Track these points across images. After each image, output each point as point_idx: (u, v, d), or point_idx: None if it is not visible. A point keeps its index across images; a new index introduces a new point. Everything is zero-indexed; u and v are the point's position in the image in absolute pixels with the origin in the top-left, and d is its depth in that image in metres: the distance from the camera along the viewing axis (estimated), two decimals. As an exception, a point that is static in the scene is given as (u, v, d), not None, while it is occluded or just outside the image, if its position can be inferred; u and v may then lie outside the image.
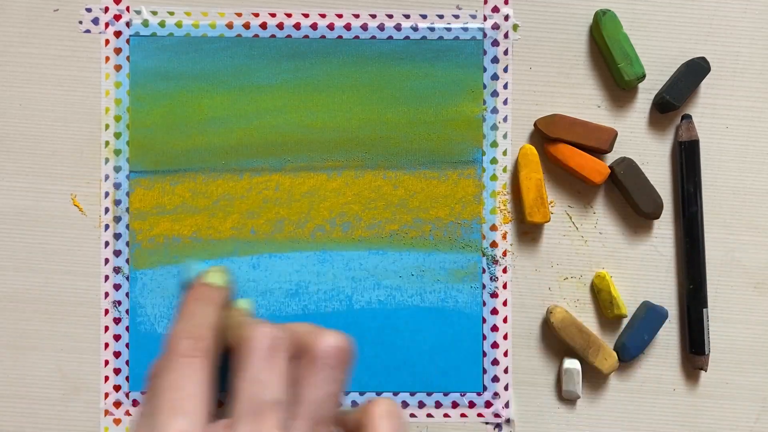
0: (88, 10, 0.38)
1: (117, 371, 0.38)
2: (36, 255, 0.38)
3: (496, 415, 0.38)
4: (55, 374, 0.38)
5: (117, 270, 0.38)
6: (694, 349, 0.38)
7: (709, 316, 0.38)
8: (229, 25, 0.38)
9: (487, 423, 0.38)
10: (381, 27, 0.38)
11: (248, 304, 0.36)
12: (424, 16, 0.38)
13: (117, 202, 0.38)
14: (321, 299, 0.38)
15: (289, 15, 0.38)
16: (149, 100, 0.38)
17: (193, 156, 0.38)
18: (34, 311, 0.38)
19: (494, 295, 0.38)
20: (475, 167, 0.38)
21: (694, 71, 0.38)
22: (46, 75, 0.38)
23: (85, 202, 0.38)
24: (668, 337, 0.39)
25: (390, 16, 0.38)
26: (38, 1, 0.38)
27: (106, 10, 0.38)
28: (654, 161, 0.39)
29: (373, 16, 0.38)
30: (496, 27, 0.38)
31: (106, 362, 0.38)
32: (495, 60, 0.38)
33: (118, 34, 0.38)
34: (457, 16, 0.38)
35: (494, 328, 0.38)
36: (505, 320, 0.38)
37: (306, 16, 0.38)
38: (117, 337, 0.38)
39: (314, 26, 0.38)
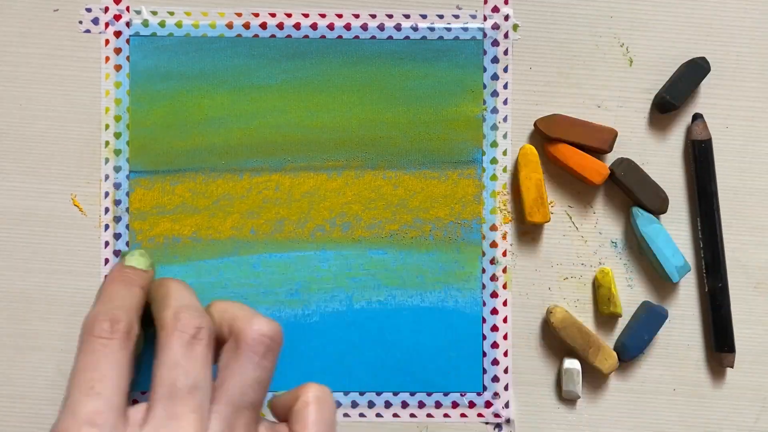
0: (88, 10, 0.38)
1: (117, 371, 0.38)
2: (36, 255, 0.38)
3: (496, 415, 0.38)
4: (55, 374, 0.38)
5: (117, 270, 0.38)
6: (727, 347, 0.38)
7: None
8: (229, 25, 0.38)
9: (487, 423, 0.38)
10: (381, 27, 0.38)
11: (142, 260, 0.35)
12: (424, 16, 0.38)
13: (117, 202, 0.38)
14: (321, 299, 0.38)
15: (289, 15, 0.38)
16: (149, 100, 0.38)
17: (193, 156, 0.38)
18: (34, 311, 0.38)
19: (494, 295, 0.38)
20: (475, 167, 0.38)
21: (694, 71, 0.38)
22: (46, 75, 0.38)
23: (85, 202, 0.38)
24: (668, 336, 0.39)
25: (390, 16, 0.38)
26: (38, 1, 0.38)
27: (106, 10, 0.38)
28: (654, 161, 0.39)
29: (373, 16, 0.38)
30: (496, 27, 0.38)
31: (106, 362, 0.38)
32: (495, 60, 0.38)
33: (118, 34, 0.38)
34: (457, 16, 0.38)
35: (494, 328, 0.38)
36: (505, 320, 0.38)
37: (306, 16, 0.38)
38: (117, 337, 0.38)
39: (314, 26, 0.38)
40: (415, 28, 0.38)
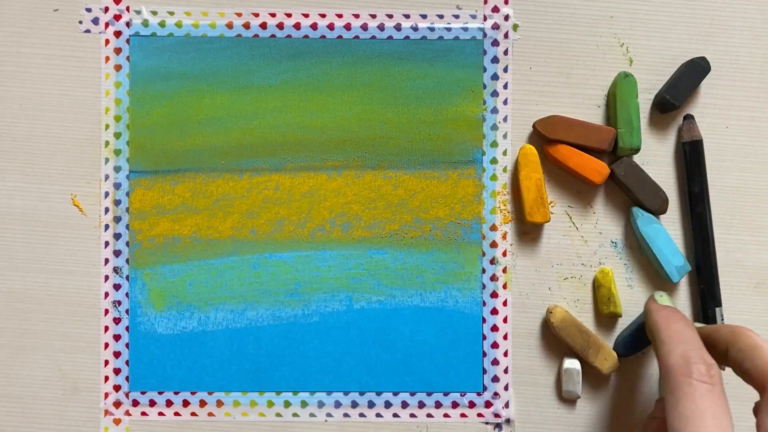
0: (88, 10, 0.38)
1: (117, 371, 0.38)
2: (36, 255, 0.38)
3: (496, 415, 0.38)
4: (55, 374, 0.38)
5: (117, 270, 0.38)
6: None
7: (722, 317, 0.38)
8: (229, 25, 0.38)
9: (487, 423, 0.38)
10: (381, 27, 0.38)
11: (668, 299, 0.33)
12: (424, 16, 0.38)
13: (117, 202, 0.38)
14: (321, 299, 0.38)
15: (289, 15, 0.38)
16: (149, 100, 0.38)
17: (193, 156, 0.38)
18: (34, 311, 0.38)
19: (494, 295, 0.38)
20: (475, 167, 0.38)
21: (694, 71, 0.38)
22: (46, 75, 0.38)
23: (85, 202, 0.38)
24: (668, 337, 0.39)
25: (390, 16, 0.38)
26: (38, 1, 0.38)
27: (106, 10, 0.38)
28: (654, 161, 0.38)
29: (373, 16, 0.38)
30: (496, 27, 0.38)
31: (106, 362, 0.38)
32: (495, 60, 0.38)
33: (118, 34, 0.38)
34: (457, 16, 0.38)
35: (494, 328, 0.38)
36: (505, 320, 0.38)
37: (306, 16, 0.38)
38: (117, 337, 0.38)
39: (314, 26, 0.38)
40: (415, 28, 0.38)
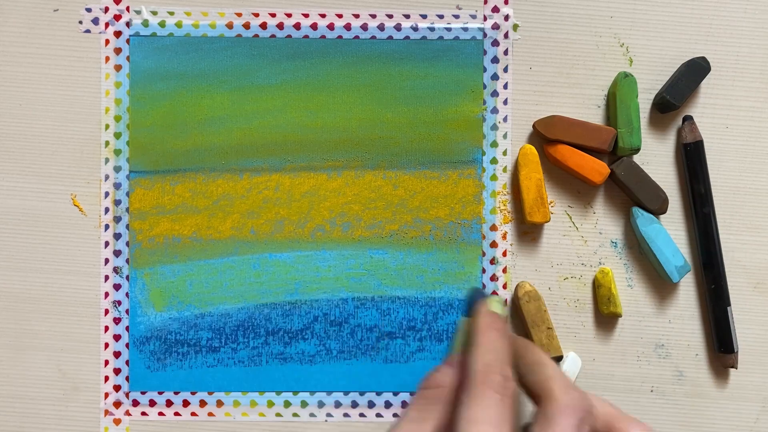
0: (88, 10, 0.38)
1: (117, 371, 0.38)
2: (36, 255, 0.38)
3: (496, 415, 0.38)
4: (55, 374, 0.38)
5: (117, 270, 0.38)
6: (723, 348, 0.38)
7: (732, 315, 0.38)
8: (229, 25, 0.38)
9: (487, 423, 0.38)
10: (381, 27, 0.38)
11: (500, 306, 0.33)
12: (424, 16, 0.38)
13: (117, 202, 0.38)
14: (321, 299, 0.38)
15: (289, 15, 0.38)
16: (149, 100, 0.38)
17: (193, 156, 0.38)
18: (34, 311, 0.38)
19: (494, 294, 0.38)
20: (475, 167, 0.38)
21: (694, 71, 0.38)
22: (46, 75, 0.38)
23: (85, 202, 0.38)
24: (668, 336, 0.39)
25: (390, 16, 0.38)
26: (38, 1, 0.38)
27: (106, 10, 0.38)
28: (654, 161, 0.38)
29: (373, 16, 0.38)
30: (496, 27, 0.38)
31: (106, 362, 0.38)
32: (495, 60, 0.38)
33: (118, 34, 0.38)
34: (457, 16, 0.38)
35: (494, 328, 0.38)
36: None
37: (306, 16, 0.38)
38: (117, 337, 0.38)
39: (314, 26, 0.38)
40: (415, 28, 0.38)
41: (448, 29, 0.38)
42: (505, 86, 0.38)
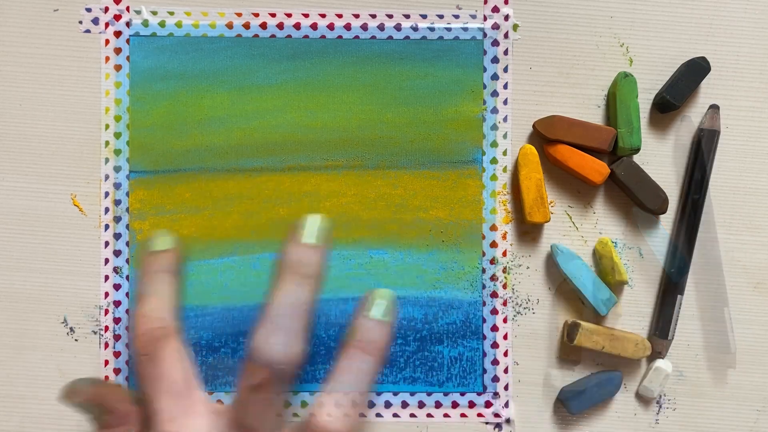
0: (88, 10, 0.38)
1: (117, 371, 0.38)
2: (36, 255, 0.38)
3: (496, 415, 0.38)
4: (55, 374, 0.38)
5: (117, 270, 0.38)
6: (658, 332, 0.38)
7: (680, 305, 0.38)
8: (229, 25, 0.38)
9: (487, 423, 0.38)
10: (381, 27, 0.38)
11: (167, 240, 0.35)
12: (424, 16, 0.38)
13: (117, 202, 0.38)
14: (321, 299, 0.38)
15: (289, 15, 0.38)
16: (149, 100, 0.38)
17: (193, 156, 0.38)
18: (34, 311, 0.38)
19: (494, 294, 0.38)
20: (475, 167, 0.38)
21: (694, 71, 0.38)
22: (46, 75, 0.38)
23: (85, 202, 0.38)
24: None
25: (390, 16, 0.38)
26: (38, 1, 0.38)
27: (106, 10, 0.38)
28: (654, 161, 0.39)
29: (373, 16, 0.38)
30: (496, 27, 0.38)
31: (106, 362, 0.38)
32: (495, 60, 0.38)
33: (118, 34, 0.38)
34: (457, 16, 0.38)
35: (494, 328, 0.38)
36: (505, 320, 0.38)
37: (306, 16, 0.38)
38: (117, 337, 0.38)
39: (314, 26, 0.38)
40: (415, 28, 0.38)
41: (448, 29, 0.38)
42: (505, 86, 0.38)
